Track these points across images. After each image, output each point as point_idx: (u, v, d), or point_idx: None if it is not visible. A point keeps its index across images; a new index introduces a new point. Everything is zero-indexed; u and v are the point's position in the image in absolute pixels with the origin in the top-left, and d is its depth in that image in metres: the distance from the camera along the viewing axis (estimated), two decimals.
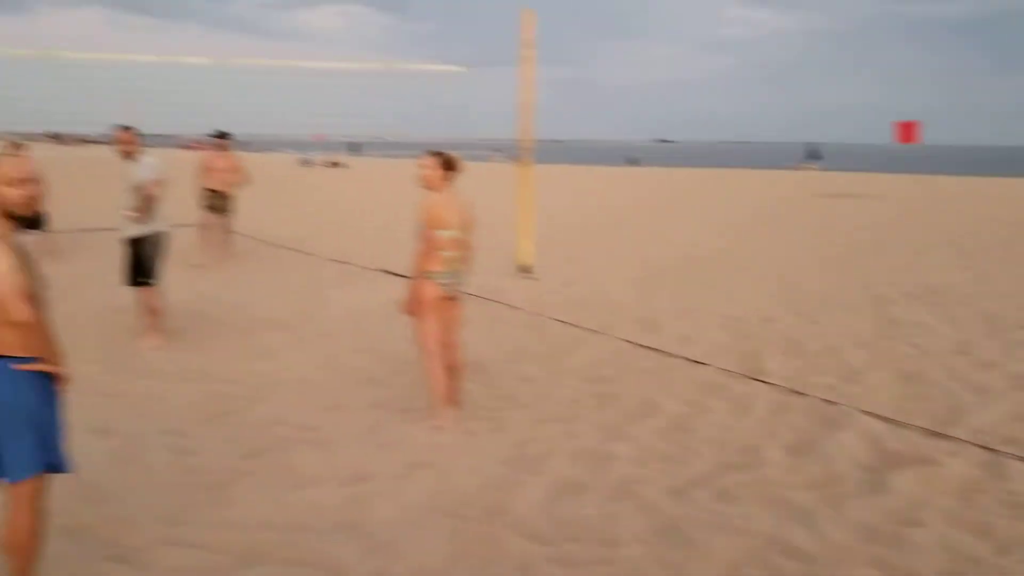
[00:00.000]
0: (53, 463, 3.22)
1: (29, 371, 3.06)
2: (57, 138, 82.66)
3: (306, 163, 46.97)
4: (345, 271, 11.46)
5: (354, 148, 75.77)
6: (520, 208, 11.14)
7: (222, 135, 12.38)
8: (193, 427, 5.35)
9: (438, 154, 5.43)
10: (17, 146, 12.12)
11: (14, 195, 3.07)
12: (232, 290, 9.85)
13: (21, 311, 2.94)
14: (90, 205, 17.13)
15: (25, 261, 3.06)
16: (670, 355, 7.26)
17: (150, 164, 7.21)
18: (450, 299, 5.46)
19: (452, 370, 5.54)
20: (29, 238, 4.01)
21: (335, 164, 47.22)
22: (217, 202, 11.93)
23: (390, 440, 5.24)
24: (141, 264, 7.15)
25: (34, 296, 3.06)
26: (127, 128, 7.28)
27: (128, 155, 7.23)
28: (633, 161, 68.56)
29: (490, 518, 4.23)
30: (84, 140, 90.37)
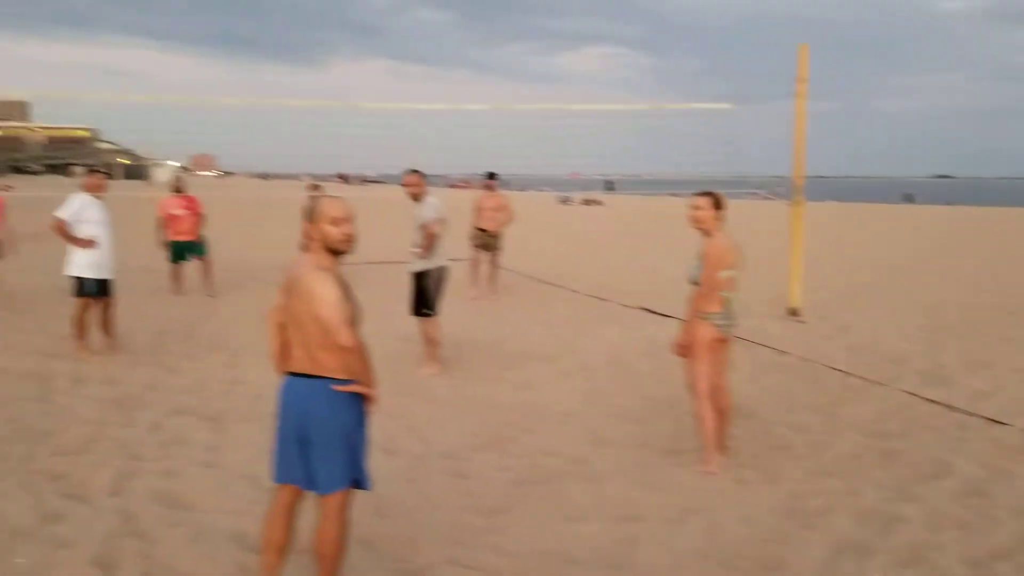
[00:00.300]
0: (358, 479, 3.50)
1: (347, 392, 3.36)
2: (344, 179, 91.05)
3: (564, 201, 48.18)
4: (604, 307, 11.57)
5: (608, 186, 76.77)
6: (791, 248, 10.70)
7: (491, 176, 12.99)
8: (469, 452, 5.61)
9: (710, 194, 5.35)
10: (315, 187, 13.45)
11: (336, 233, 3.40)
12: (499, 323, 10.26)
13: (347, 337, 3.24)
14: (372, 240, 18.63)
15: (347, 291, 3.38)
16: (963, 412, 6.62)
17: (433, 204, 7.71)
18: (723, 341, 5.34)
19: (721, 414, 5.40)
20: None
21: (592, 202, 48.05)
22: (486, 240, 12.50)
23: (658, 481, 5.18)
24: (423, 296, 7.65)
25: (353, 323, 3.36)
26: (415, 171, 7.84)
27: (415, 197, 7.77)
28: (908, 198, 63.99)
29: (766, 572, 4.05)
30: (366, 180, 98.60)
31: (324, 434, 3.35)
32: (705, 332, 5.20)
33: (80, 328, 8.03)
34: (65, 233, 7.80)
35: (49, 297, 11.41)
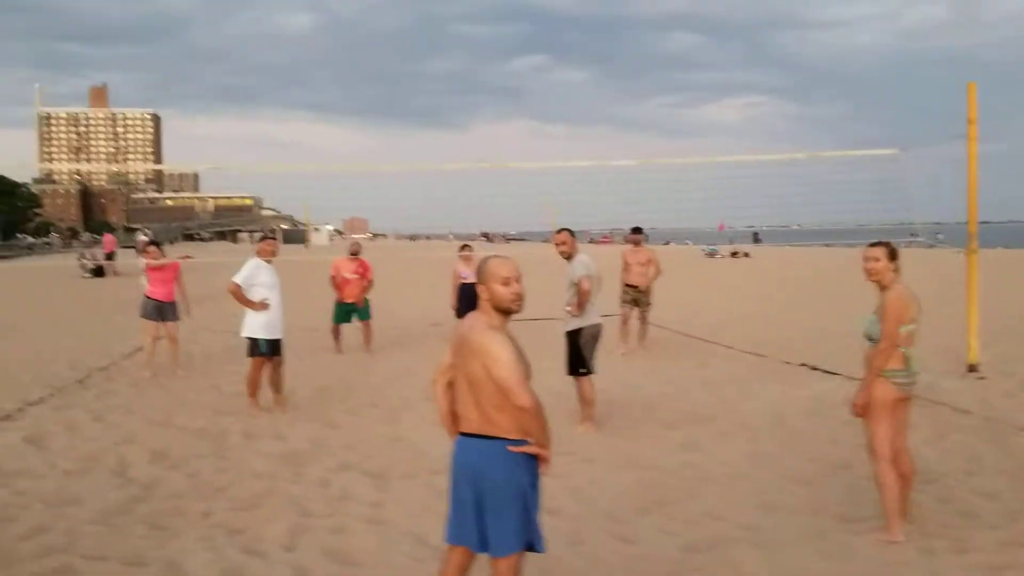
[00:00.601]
0: (532, 541, 3.44)
1: (522, 453, 3.33)
2: (486, 237, 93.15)
3: (711, 254, 47.35)
4: (763, 364, 11.16)
5: (755, 237, 75.13)
6: (967, 298, 10.01)
7: (636, 230, 12.87)
8: (631, 515, 5.46)
9: (884, 244, 5.08)
10: (466, 246, 13.72)
11: (506, 292, 3.41)
12: (654, 380, 10.06)
13: (526, 398, 3.23)
14: None
15: (519, 350, 3.37)
16: None
17: (584, 262, 7.69)
18: (904, 400, 5.01)
19: (903, 479, 5.05)
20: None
21: (740, 254, 47.02)
22: (636, 295, 12.36)
23: (835, 550, 4.87)
24: (579, 355, 7.60)
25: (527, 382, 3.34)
26: (565, 230, 7.87)
27: (566, 255, 7.79)
28: None
29: None
30: (507, 238, 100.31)
31: (500, 496, 3.33)
32: (885, 391, 4.89)
33: (253, 386, 8.43)
34: (241, 296, 8.26)
35: (218, 357, 12.10)
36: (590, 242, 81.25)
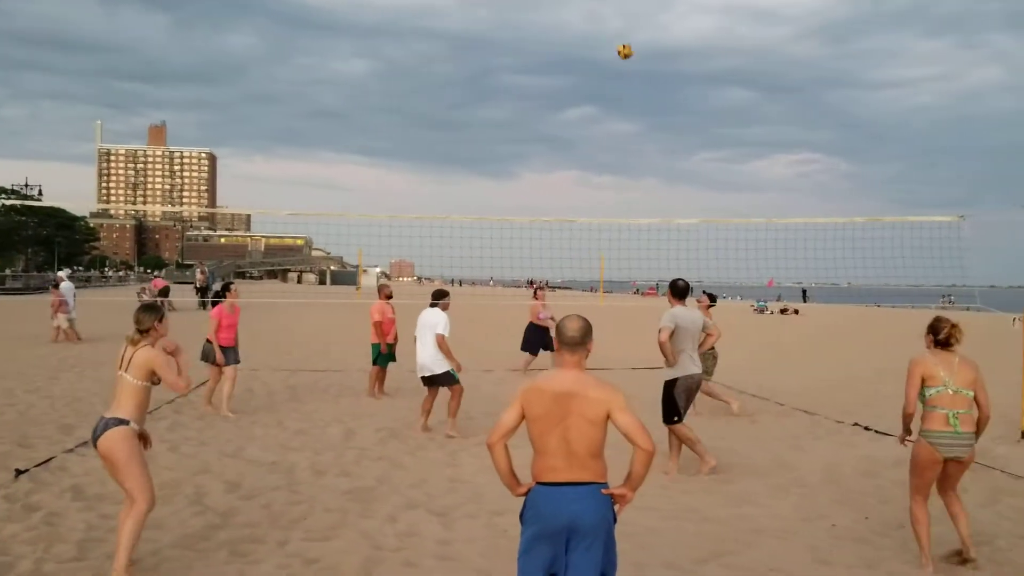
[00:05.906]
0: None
1: (610, 495, 3.60)
2: (533, 284, 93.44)
3: (760, 310, 47.14)
4: (813, 422, 11.24)
5: (804, 295, 74.50)
6: None
7: (711, 296, 12.63)
8: (691, 564, 5.63)
9: None
10: (540, 291, 14.03)
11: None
12: (704, 434, 10.03)
13: (651, 441, 3.51)
14: None
15: None
16: None
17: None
18: (957, 463, 5.21)
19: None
20: None
21: (789, 311, 46.73)
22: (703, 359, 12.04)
23: None
24: (671, 404, 8.15)
25: None
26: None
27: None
28: None
29: None
30: (551, 286, 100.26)
31: (603, 535, 3.54)
32: (920, 450, 5.19)
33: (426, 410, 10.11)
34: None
35: (280, 394, 12.47)
36: (636, 292, 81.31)
